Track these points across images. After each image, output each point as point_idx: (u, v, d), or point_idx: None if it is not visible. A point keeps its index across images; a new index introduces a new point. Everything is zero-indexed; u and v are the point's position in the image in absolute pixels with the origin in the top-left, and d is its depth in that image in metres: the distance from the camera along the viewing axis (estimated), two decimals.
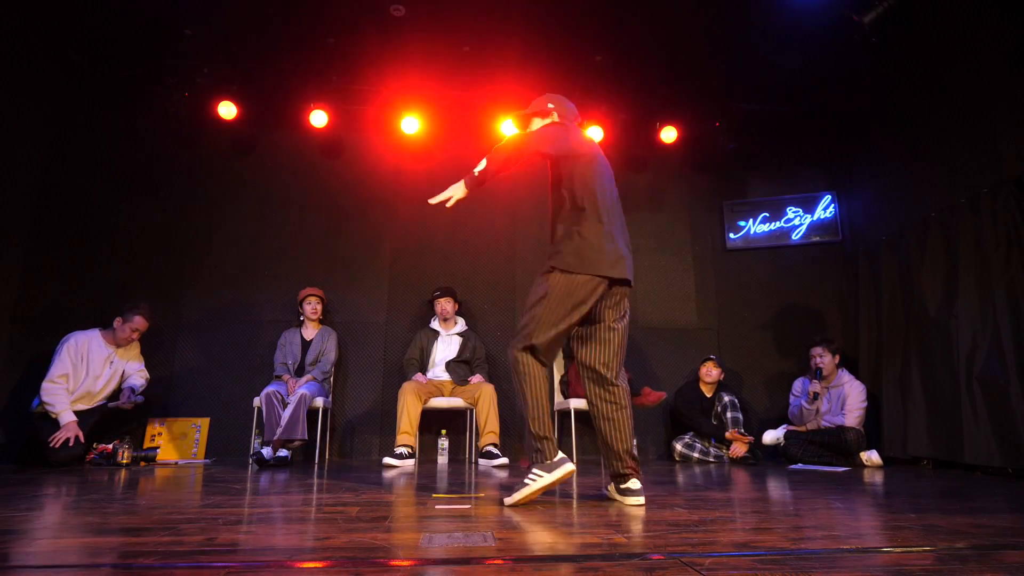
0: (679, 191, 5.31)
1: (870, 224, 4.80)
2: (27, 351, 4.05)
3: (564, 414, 4.41)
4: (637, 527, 1.60)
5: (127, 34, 4.30)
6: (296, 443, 3.84)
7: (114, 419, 3.88)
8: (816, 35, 4.20)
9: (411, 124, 4.90)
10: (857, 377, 4.30)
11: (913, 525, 1.66)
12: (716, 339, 4.98)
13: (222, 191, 4.91)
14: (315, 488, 2.55)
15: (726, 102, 5.05)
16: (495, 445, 3.96)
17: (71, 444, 3.53)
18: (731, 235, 5.21)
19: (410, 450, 3.89)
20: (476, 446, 4.10)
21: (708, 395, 4.46)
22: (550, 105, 2.53)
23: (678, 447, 4.36)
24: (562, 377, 4.53)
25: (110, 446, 3.76)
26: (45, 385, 3.61)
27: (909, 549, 1.34)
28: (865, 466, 3.95)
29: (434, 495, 2.31)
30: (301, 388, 3.92)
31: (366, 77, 4.82)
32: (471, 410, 4.23)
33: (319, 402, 4.06)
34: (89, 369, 3.79)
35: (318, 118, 4.80)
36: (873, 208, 4.80)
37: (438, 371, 4.32)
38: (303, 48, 4.51)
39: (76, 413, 3.65)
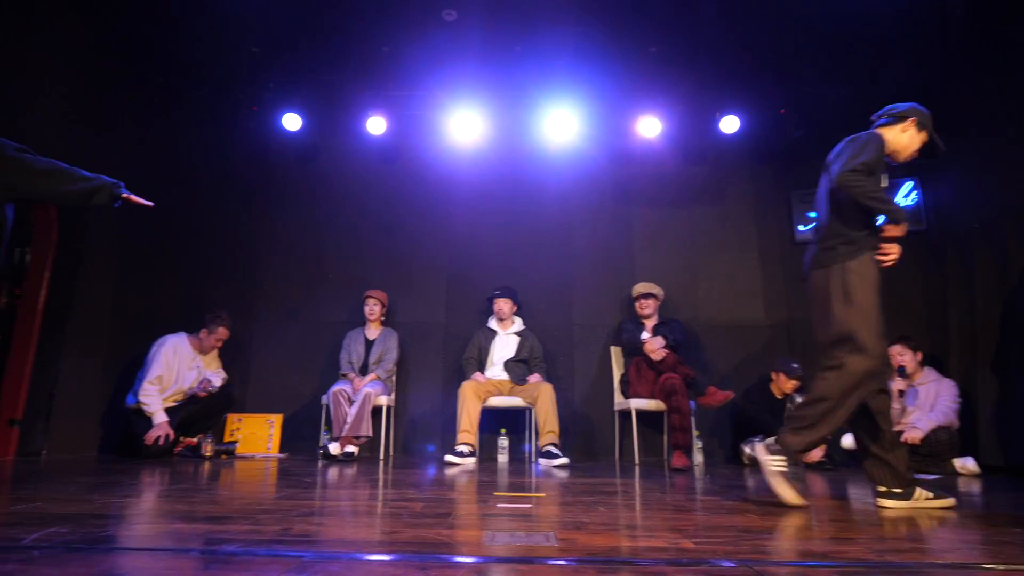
0: (742, 183, 5.12)
1: (959, 212, 4.45)
2: (122, 354, 4.38)
3: (625, 414, 4.35)
4: (705, 532, 1.55)
5: (202, 57, 4.58)
6: (362, 439, 3.97)
7: (198, 415, 4.15)
8: (889, 9, 3.94)
9: (465, 127, 4.95)
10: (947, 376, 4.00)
11: (1018, 540, 1.52)
12: (786, 337, 4.76)
13: (288, 199, 5.13)
14: (380, 483, 2.62)
15: (790, 88, 4.82)
16: (555, 445, 3.94)
17: (162, 443, 3.83)
18: (800, 227, 4.97)
19: (471, 448, 3.93)
20: (536, 445, 4.10)
21: (779, 396, 4.27)
22: None
23: (747, 450, 4.19)
24: (622, 376, 4.46)
25: (195, 440, 4.05)
26: (144, 386, 3.90)
27: (1013, 567, 1.23)
28: (959, 474, 3.64)
29: (495, 493, 2.32)
30: (365, 387, 4.05)
31: (420, 83, 4.92)
32: (530, 409, 4.24)
33: (383, 400, 4.18)
34: (178, 371, 4.08)
35: (375, 125, 4.95)
36: (963, 194, 4.43)
37: (496, 370, 4.35)
38: (360, 58, 4.66)
39: (165, 411, 3.94)
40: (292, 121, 4.94)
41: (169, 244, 4.85)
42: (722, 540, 1.44)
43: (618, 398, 4.46)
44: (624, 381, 4.39)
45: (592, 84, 4.90)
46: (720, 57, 4.64)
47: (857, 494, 2.48)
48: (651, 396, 4.11)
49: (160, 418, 3.88)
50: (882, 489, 2.09)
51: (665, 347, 4.13)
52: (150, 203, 2.36)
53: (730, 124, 4.94)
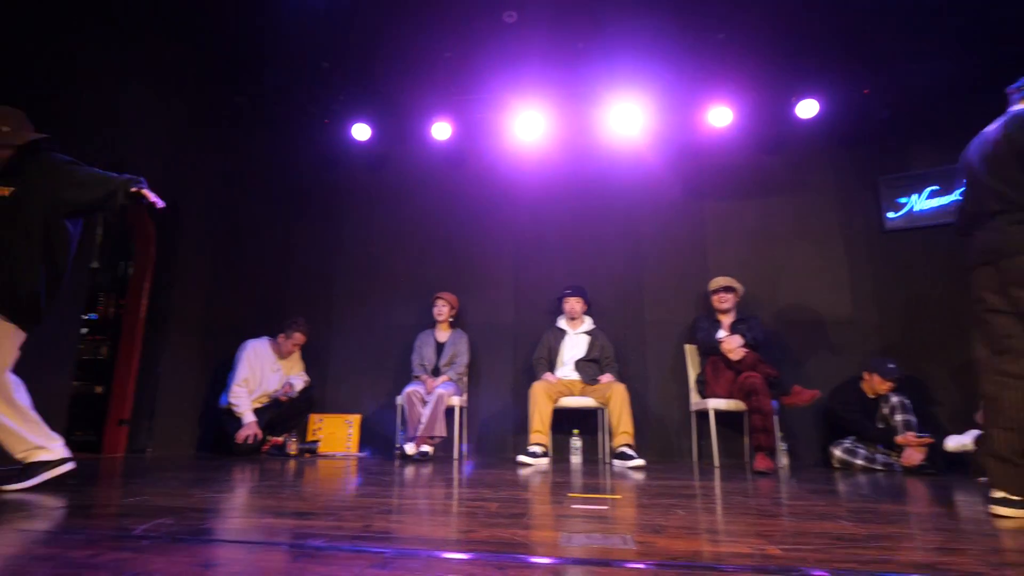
0: (822, 170, 4.82)
1: None
2: (213, 357, 4.69)
3: (702, 415, 4.20)
4: (794, 538, 1.47)
5: (276, 74, 4.83)
6: (436, 439, 4.06)
7: (283, 415, 4.39)
8: None
9: (529, 127, 4.96)
10: None
11: None
12: (877, 331, 4.44)
13: (359, 207, 5.33)
14: (455, 483, 2.66)
15: (874, 66, 4.50)
16: (629, 446, 3.87)
17: (251, 442, 4.08)
18: (889, 214, 4.62)
19: (543, 449, 3.92)
20: (610, 446, 4.03)
21: (871, 395, 4.00)
22: None
23: (837, 452, 3.95)
24: (698, 376, 4.31)
25: (281, 439, 4.28)
26: (234, 388, 4.17)
27: None
28: None
29: (570, 494, 2.30)
30: (438, 388, 4.13)
31: (484, 86, 4.98)
32: (602, 410, 4.18)
33: (455, 401, 4.25)
34: (262, 374, 4.33)
35: (440, 130, 5.05)
36: None
37: (567, 370, 4.32)
38: (424, 66, 4.76)
39: (253, 411, 4.20)
40: (361, 131, 5.12)
41: (251, 254, 5.16)
42: (812, 547, 1.35)
43: (694, 398, 4.32)
44: (700, 381, 4.24)
45: (657, 76, 4.78)
46: (794, 38, 4.40)
47: (965, 501, 2.28)
48: (730, 396, 3.95)
49: (249, 418, 4.13)
50: (999, 495, 1.91)
51: (744, 345, 3.96)
52: (162, 203, 2.36)
53: (808, 109, 4.67)
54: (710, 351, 4.13)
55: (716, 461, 3.97)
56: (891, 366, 3.90)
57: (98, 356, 4.53)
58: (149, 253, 4.28)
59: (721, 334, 4.12)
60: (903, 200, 4.61)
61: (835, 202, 4.74)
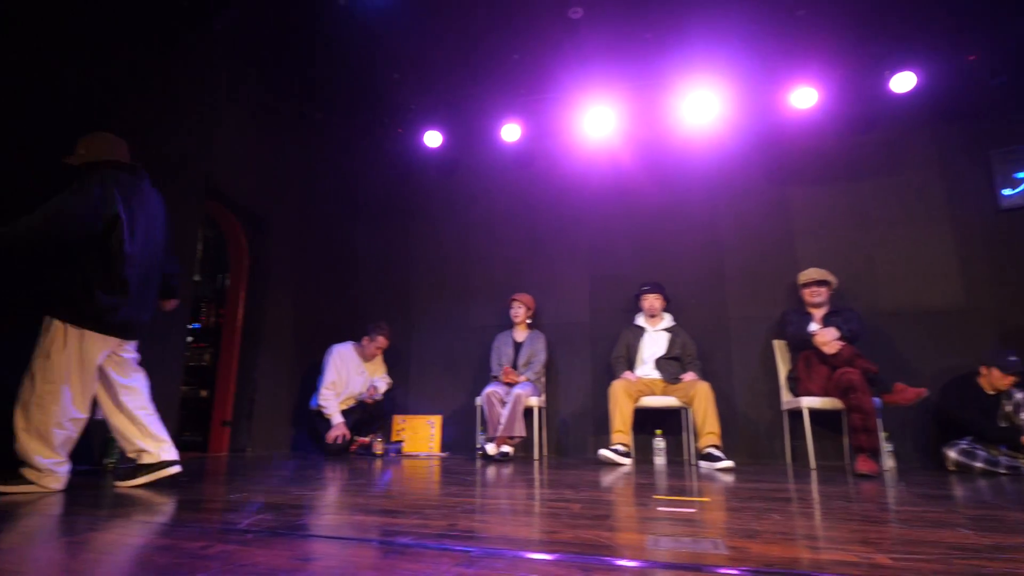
0: (923, 146, 4.43)
1: None
2: (303, 361, 4.96)
3: (795, 414, 3.97)
4: (905, 547, 1.35)
5: (351, 88, 5.05)
6: (516, 439, 4.08)
7: (369, 417, 4.57)
8: None
9: (598, 123, 4.89)
10: None
11: None
12: (994, 321, 4.02)
13: (434, 212, 5.46)
14: (536, 483, 2.66)
15: (980, 28, 4.08)
16: (716, 447, 3.71)
17: (339, 442, 4.27)
18: (1005, 191, 4.17)
19: (625, 449, 3.84)
20: (695, 447, 3.89)
21: (990, 391, 3.62)
22: None
23: (952, 454, 3.60)
24: (789, 372, 4.08)
25: (367, 439, 4.46)
26: (322, 391, 4.39)
27: None
28: None
29: (655, 496, 2.23)
30: (516, 388, 4.15)
31: (552, 85, 4.96)
32: (686, 409, 4.04)
33: (533, 401, 4.25)
34: (348, 376, 4.53)
35: (510, 132, 5.09)
36: None
37: (647, 368, 4.22)
38: (491, 70, 4.81)
39: (341, 412, 4.39)
40: (433, 138, 5.26)
41: (334, 263, 5.42)
42: (927, 557, 1.23)
43: (786, 396, 4.09)
44: (792, 377, 4.01)
45: (732, 60, 4.57)
46: (882, 6, 4.07)
47: None
48: (825, 393, 3.70)
49: (337, 419, 4.33)
50: None
51: (839, 339, 3.70)
52: None
53: (903, 82, 4.31)
54: (802, 345, 3.90)
55: (812, 463, 3.73)
56: (1012, 359, 3.52)
57: (202, 362, 4.90)
58: (243, 265, 4.60)
59: (814, 327, 3.88)
60: (1021, 175, 4.15)
61: (939, 181, 4.34)
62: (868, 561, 1.20)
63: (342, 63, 4.70)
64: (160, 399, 2.60)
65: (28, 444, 2.12)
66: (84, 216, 2.17)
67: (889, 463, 3.60)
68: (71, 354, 2.17)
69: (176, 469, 2.39)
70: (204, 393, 4.72)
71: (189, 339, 4.90)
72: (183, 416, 4.33)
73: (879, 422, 3.46)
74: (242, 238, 4.60)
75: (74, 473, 2.30)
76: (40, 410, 2.13)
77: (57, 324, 2.17)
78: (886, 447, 3.59)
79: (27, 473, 2.13)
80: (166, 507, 1.85)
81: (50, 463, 2.14)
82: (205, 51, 4.01)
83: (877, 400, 3.51)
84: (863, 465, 3.21)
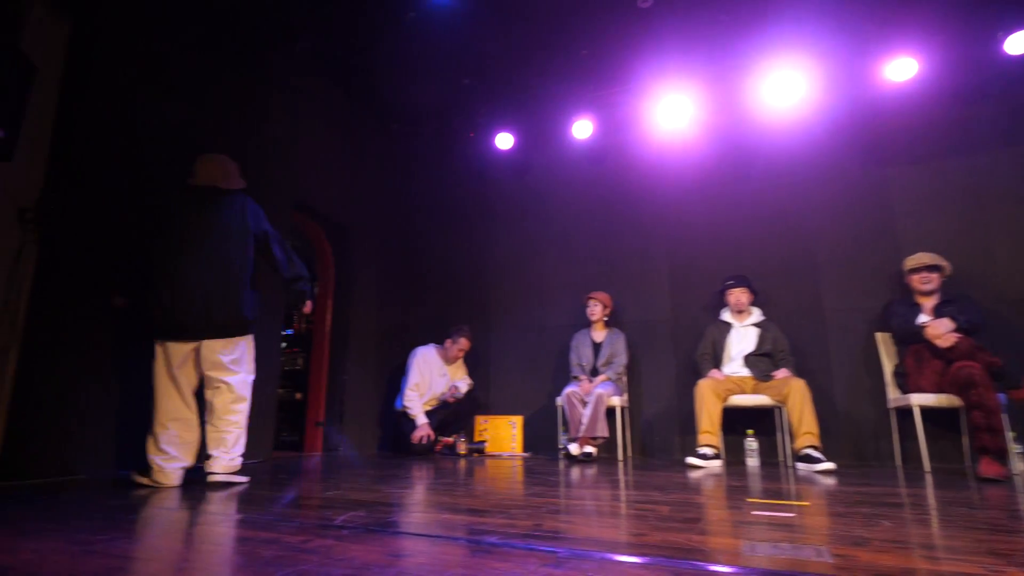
0: None
1: None
2: (387, 364, 5.15)
3: (904, 412, 3.65)
4: None
5: (423, 98, 5.18)
6: (599, 440, 4.02)
7: (452, 417, 4.67)
8: None
9: (673, 113, 4.73)
10: None
11: None
12: None
13: (509, 212, 5.49)
14: (621, 484, 2.60)
15: None
16: (815, 447, 3.48)
17: (424, 442, 4.38)
18: None
19: (714, 451, 3.69)
20: (791, 448, 3.67)
21: None
22: None
23: None
24: (896, 367, 3.76)
25: (451, 439, 4.56)
26: (407, 393, 4.53)
27: None
28: None
29: (748, 499, 2.12)
30: (597, 388, 4.09)
31: (623, 77, 4.84)
32: (779, 408, 3.82)
33: (615, 401, 4.17)
34: (431, 378, 4.65)
35: (581, 129, 5.03)
36: None
37: (736, 366, 4.03)
38: (560, 67, 4.75)
39: (425, 413, 4.51)
40: (505, 140, 5.30)
41: (413, 268, 5.58)
42: None
43: (893, 393, 3.77)
44: (900, 373, 3.69)
45: (816, 36, 4.28)
46: None
47: None
48: (939, 390, 3.38)
49: (422, 420, 4.45)
50: None
51: (955, 330, 3.37)
52: None
53: (1020, 42, 3.87)
54: (910, 339, 3.58)
55: (926, 465, 3.42)
56: None
57: (295, 367, 5.20)
58: (329, 274, 4.84)
59: (923, 318, 3.56)
60: None
61: None
62: (997, 574, 1.07)
63: (413, 75, 4.83)
64: (259, 401, 2.78)
65: (147, 443, 2.44)
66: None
67: (1019, 466, 3.22)
68: (159, 361, 2.51)
69: (147, 490, 2.27)
70: (299, 396, 5.00)
71: (283, 344, 5.22)
72: (281, 417, 4.62)
73: (1005, 420, 3.10)
74: (327, 247, 4.84)
75: (194, 470, 2.51)
76: (153, 412, 2.47)
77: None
78: (1014, 448, 3.22)
79: (151, 469, 2.38)
80: (269, 503, 1.97)
81: (158, 460, 2.40)
82: (289, 72, 4.25)
83: (1002, 396, 3.16)
84: (987, 468, 2.90)
